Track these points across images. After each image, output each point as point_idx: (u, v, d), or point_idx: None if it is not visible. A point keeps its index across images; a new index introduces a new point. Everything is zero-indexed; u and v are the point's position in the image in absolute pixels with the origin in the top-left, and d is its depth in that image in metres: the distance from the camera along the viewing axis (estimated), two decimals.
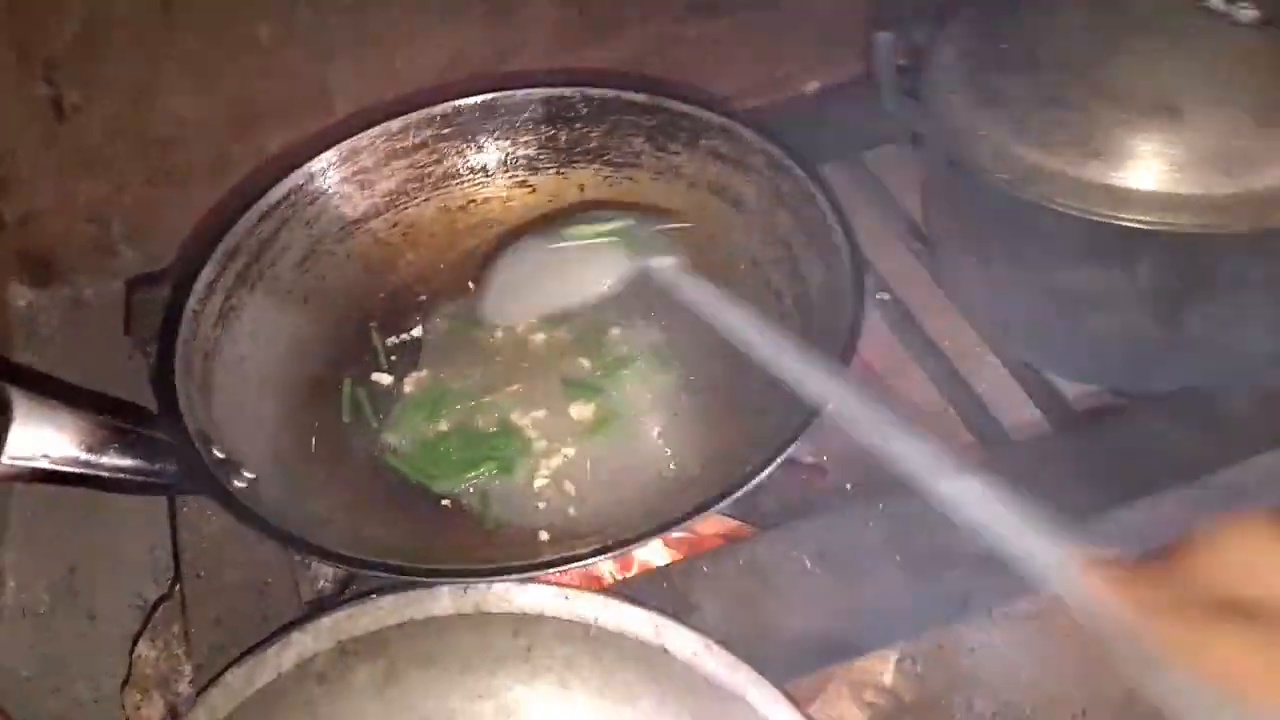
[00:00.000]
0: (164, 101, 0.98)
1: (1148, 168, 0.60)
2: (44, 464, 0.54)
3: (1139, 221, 0.59)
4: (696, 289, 0.65)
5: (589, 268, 0.71)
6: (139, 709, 0.77)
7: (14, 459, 0.53)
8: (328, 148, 0.81)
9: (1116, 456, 0.67)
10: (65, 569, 0.91)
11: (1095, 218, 0.60)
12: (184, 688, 0.77)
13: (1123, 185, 0.60)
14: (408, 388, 0.76)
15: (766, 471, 0.61)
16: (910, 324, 0.78)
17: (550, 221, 0.78)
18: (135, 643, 0.81)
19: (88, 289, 1.07)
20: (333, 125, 0.98)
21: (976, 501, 0.47)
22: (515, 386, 0.75)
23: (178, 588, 0.80)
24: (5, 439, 0.52)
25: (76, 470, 0.55)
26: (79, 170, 1.00)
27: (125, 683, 0.80)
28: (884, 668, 0.81)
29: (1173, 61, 0.61)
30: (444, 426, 0.73)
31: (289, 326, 0.76)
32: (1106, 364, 0.70)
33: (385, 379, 0.76)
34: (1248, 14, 0.60)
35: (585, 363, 0.76)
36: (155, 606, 0.82)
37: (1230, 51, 0.60)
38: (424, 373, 0.77)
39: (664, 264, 0.67)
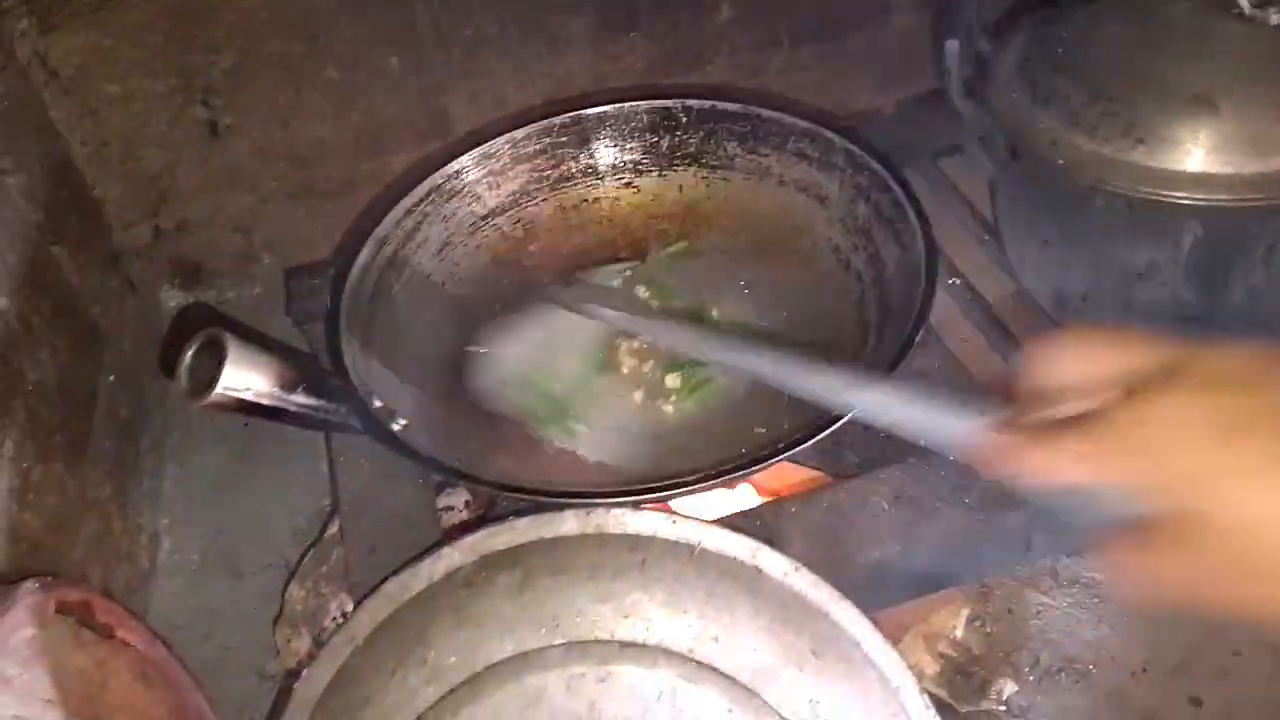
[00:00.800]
0: (305, 125, 1.10)
1: (1185, 152, 0.67)
2: (248, 396, 0.65)
3: (1179, 198, 0.67)
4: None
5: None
6: (289, 642, 0.87)
7: (226, 389, 0.64)
8: (461, 154, 0.92)
9: None
10: (213, 532, 1.02)
11: (1141, 196, 0.68)
12: (329, 623, 0.87)
13: (1164, 168, 0.68)
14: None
15: (842, 421, 0.69)
16: (978, 303, 0.86)
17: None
18: (286, 586, 0.91)
19: (230, 292, 1.19)
20: (450, 145, 1.09)
21: (893, 404, 0.50)
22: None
23: (328, 532, 0.91)
24: (220, 375, 0.63)
25: (272, 403, 0.66)
26: (228, 185, 1.12)
27: (277, 619, 0.90)
28: (956, 623, 0.89)
29: (1207, 60, 0.69)
30: (557, 388, 0.83)
31: (428, 304, 0.87)
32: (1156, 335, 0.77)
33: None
34: (1275, 18, 0.68)
35: None
36: (303, 555, 0.93)
37: (1259, 50, 0.68)
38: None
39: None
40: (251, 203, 1.14)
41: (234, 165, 1.10)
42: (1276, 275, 0.71)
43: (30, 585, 0.68)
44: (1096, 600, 0.90)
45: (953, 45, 0.77)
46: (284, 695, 0.68)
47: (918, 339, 0.72)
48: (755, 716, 0.63)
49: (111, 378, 0.97)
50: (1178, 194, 0.67)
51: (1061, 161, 0.70)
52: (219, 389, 0.63)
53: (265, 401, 0.66)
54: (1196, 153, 0.67)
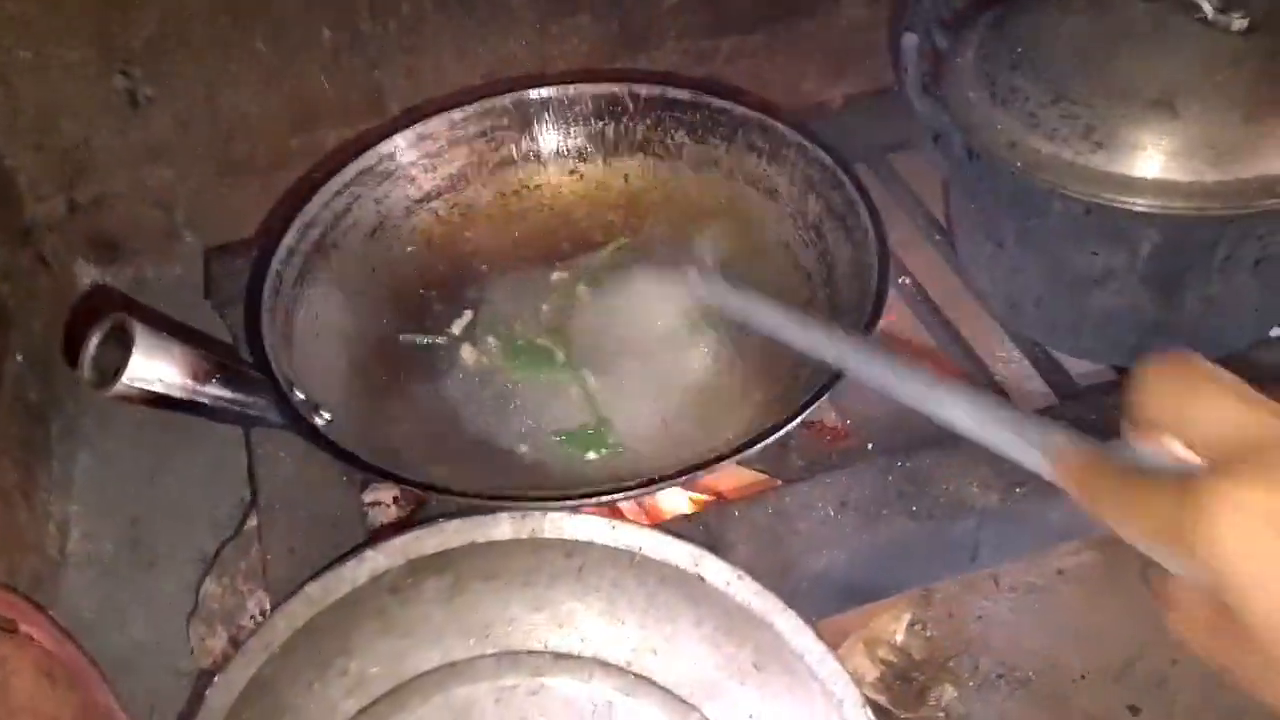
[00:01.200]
0: (231, 98, 1.05)
1: (1146, 157, 0.66)
2: (158, 388, 0.60)
3: (1138, 205, 0.66)
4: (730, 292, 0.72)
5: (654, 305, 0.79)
6: (204, 640, 0.83)
7: (132, 380, 0.59)
8: (395, 133, 0.88)
9: (1116, 424, 0.73)
10: (128, 522, 0.97)
11: (1099, 201, 0.67)
12: (246, 621, 0.83)
13: (1124, 173, 0.66)
14: (463, 350, 0.83)
15: (788, 427, 0.66)
16: (928, 305, 0.84)
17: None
18: (202, 580, 0.87)
19: (149, 269, 1.13)
20: (385, 124, 1.05)
21: (970, 416, 0.50)
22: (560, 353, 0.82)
23: (248, 525, 0.87)
24: (127, 363, 0.59)
25: (184, 396, 0.62)
26: (148, 159, 1.07)
27: (191, 616, 0.86)
28: (897, 628, 0.87)
29: (1169, 63, 0.67)
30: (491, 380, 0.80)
31: (358, 290, 0.83)
32: (1109, 342, 0.76)
33: (441, 340, 0.83)
34: (1237, 23, 0.67)
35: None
36: (220, 549, 0.89)
37: (1221, 55, 0.66)
38: (476, 335, 0.83)
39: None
40: (173, 178, 1.09)
41: (155, 138, 1.05)
42: (1233, 284, 0.70)
43: None
44: (1038, 606, 0.89)
45: (910, 39, 0.75)
46: (196, 700, 0.64)
47: None
48: None
49: (19, 358, 0.92)
50: (1137, 200, 0.66)
51: (1020, 164, 0.68)
52: (125, 380, 0.59)
53: (176, 394, 0.61)
54: (1157, 158, 0.66)
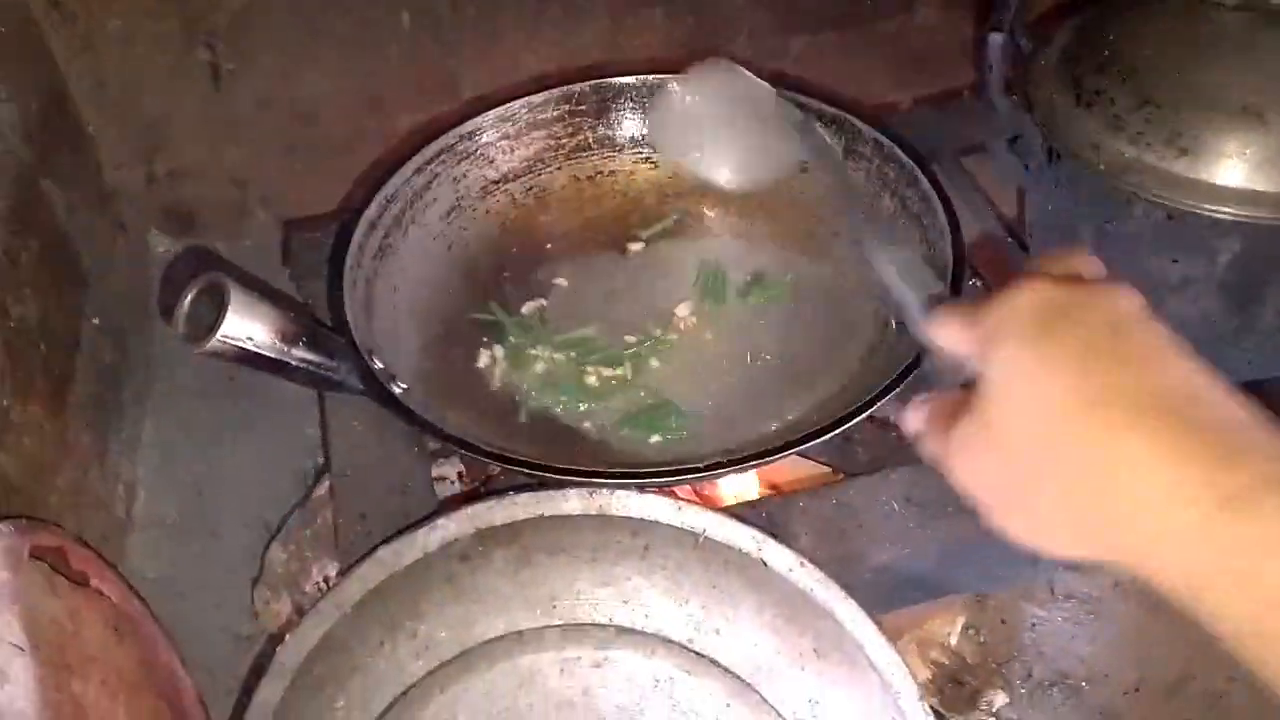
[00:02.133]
0: (309, 77, 1.07)
1: (1231, 165, 0.66)
2: (249, 346, 0.62)
3: (1220, 212, 0.66)
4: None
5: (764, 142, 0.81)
6: (268, 604, 0.85)
7: (225, 338, 0.61)
8: (473, 116, 0.89)
9: None
10: (193, 488, 0.99)
11: (1182, 208, 0.67)
12: (310, 588, 0.84)
13: (1208, 180, 0.66)
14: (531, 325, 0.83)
15: (856, 420, 0.67)
16: None
17: None
18: (267, 547, 0.88)
19: (220, 243, 1.16)
20: (459, 108, 1.06)
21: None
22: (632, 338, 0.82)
23: (314, 494, 0.88)
24: (221, 320, 0.61)
25: (272, 355, 0.63)
26: (226, 134, 1.09)
27: (255, 581, 0.87)
28: (951, 630, 0.87)
29: (1258, 72, 0.67)
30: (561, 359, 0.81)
31: (434, 267, 0.84)
32: None
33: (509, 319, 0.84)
34: None
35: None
36: (286, 517, 0.90)
37: None
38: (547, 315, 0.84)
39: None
40: (249, 154, 1.11)
41: (234, 114, 1.08)
42: None
43: (4, 528, 0.65)
44: (1092, 616, 0.89)
45: (996, 39, 0.75)
46: (265, 658, 0.66)
47: None
48: (753, 713, 0.62)
49: (96, 321, 0.94)
50: (1220, 208, 0.66)
51: (1103, 166, 0.68)
52: (219, 335, 0.61)
53: (265, 353, 0.63)
54: (1242, 167, 0.66)
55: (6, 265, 0.79)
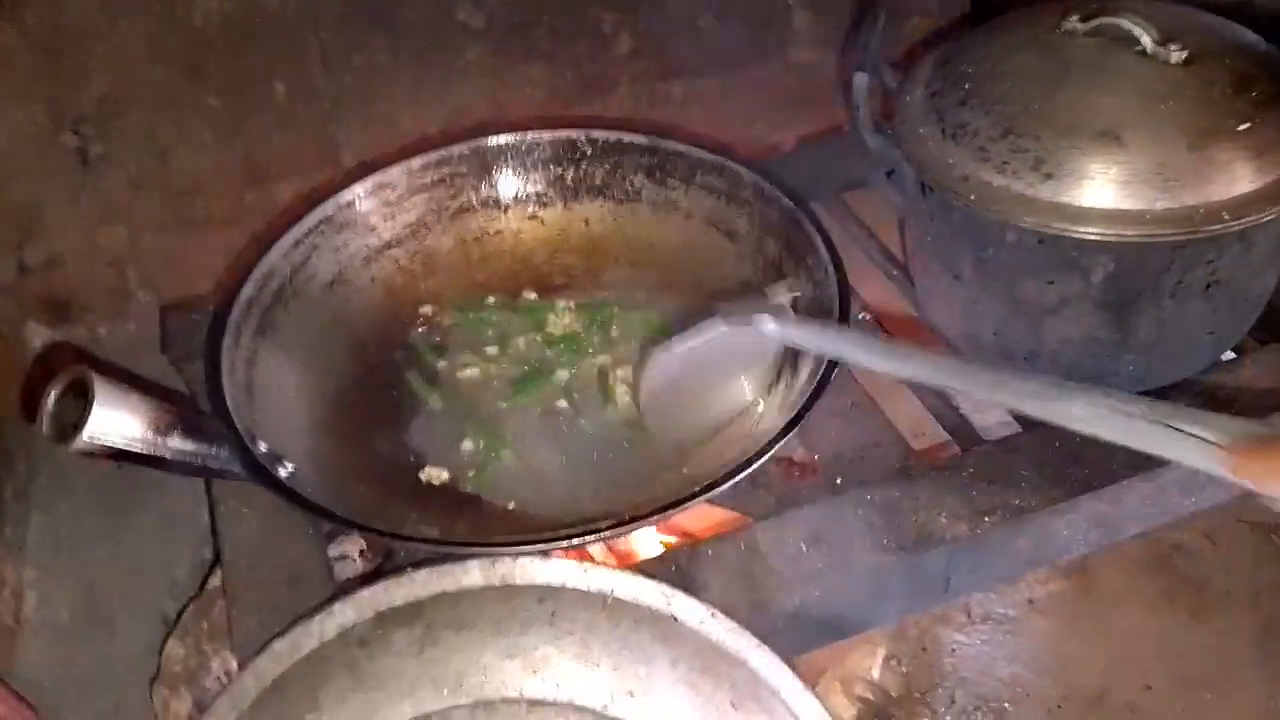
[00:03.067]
0: (184, 154, 1.04)
1: (1095, 187, 0.67)
2: (119, 442, 0.59)
3: (1088, 234, 0.67)
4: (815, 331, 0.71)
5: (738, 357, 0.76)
6: (167, 704, 0.81)
7: (92, 437, 0.58)
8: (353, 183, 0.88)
9: (1079, 452, 0.74)
10: (84, 586, 0.94)
11: (1051, 231, 0.68)
12: (211, 683, 0.81)
13: (1074, 203, 0.68)
14: (429, 396, 0.82)
15: (755, 465, 0.67)
16: (886, 338, 0.85)
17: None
18: (164, 643, 0.85)
19: (103, 329, 1.11)
20: (341, 177, 1.05)
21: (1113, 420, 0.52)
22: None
23: (210, 584, 0.85)
24: (87, 419, 0.58)
25: (145, 450, 0.61)
26: (100, 218, 1.05)
27: (154, 680, 0.83)
28: (872, 663, 0.87)
29: (1113, 96, 0.69)
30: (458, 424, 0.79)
31: (319, 340, 0.82)
32: (1065, 369, 0.77)
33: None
34: (1176, 55, 0.69)
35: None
36: (182, 610, 0.86)
37: (1161, 86, 0.68)
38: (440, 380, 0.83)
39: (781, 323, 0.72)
40: (126, 236, 1.07)
41: (107, 197, 1.04)
42: (1186, 309, 0.71)
43: None
44: (1010, 636, 0.90)
45: (861, 79, 0.76)
46: None
47: (831, 379, 0.70)
48: None
49: None
50: (1087, 229, 0.67)
51: (973, 197, 0.70)
52: (86, 434, 0.58)
53: (138, 448, 0.60)
54: (1105, 188, 0.67)
55: None
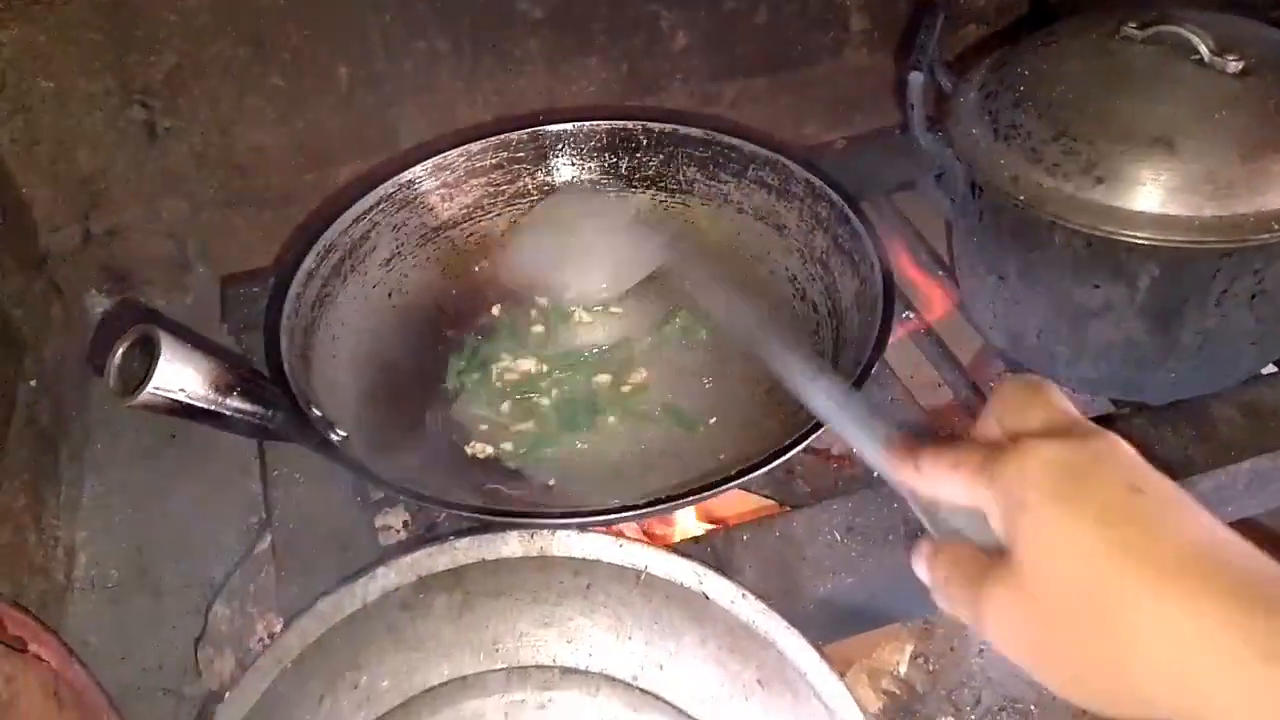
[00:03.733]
0: (246, 131, 1.07)
1: (1145, 192, 0.68)
2: (181, 397, 0.62)
3: (1136, 238, 0.67)
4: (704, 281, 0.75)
5: (624, 251, 0.83)
6: (212, 663, 0.83)
7: (157, 390, 0.61)
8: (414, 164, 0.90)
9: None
10: (134, 548, 0.97)
11: (1099, 234, 0.68)
12: (255, 645, 0.83)
13: (1124, 207, 0.68)
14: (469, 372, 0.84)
15: (792, 453, 0.67)
16: (932, 339, 0.86)
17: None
18: (210, 604, 0.87)
19: (161, 300, 1.15)
20: (398, 158, 1.07)
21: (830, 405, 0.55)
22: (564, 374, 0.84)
23: (257, 549, 0.87)
24: (153, 372, 0.60)
25: (205, 406, 0.63)
26: (163, 191, 1.08)
27: (199, 639, 0.86)
28: (900, 659, 0.88)
29: (1167, 103, 0.69)
30: (504, 405, 0.81)
31: (374, 315, 0.84)
32: (1107, 374, 0.77)
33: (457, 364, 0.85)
34: (1233, 65, 0.69)
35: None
36: (230, 573, 0.89)
37: (1217, 96, 0.69)
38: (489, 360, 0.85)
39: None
40: (187, 210, 1.10)
41: (170, 170, 1.07)
42: (1230, 318, 0.71)
43: None
44: None
45: (916, 78, 0.77)
46: (207, 716, 0.65)
47: (872, 372, 0.71)
48: None
49: (32, 383, 0.93)
50: (1136, 234, 0.67)
51: (1022, 198, 0.70)
52: (150, 387, 0.60)
53: (199, 404, 0.62)
54: (1155, 193, 0.68)
55: None
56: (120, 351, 0.63)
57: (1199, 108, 0.69)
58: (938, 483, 0.48)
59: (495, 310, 0.89)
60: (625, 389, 0.82)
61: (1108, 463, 0.43)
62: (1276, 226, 0.65)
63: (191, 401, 0.62)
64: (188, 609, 0.91)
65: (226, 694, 0.62)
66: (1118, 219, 0.68)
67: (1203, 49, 0.69)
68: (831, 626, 0.72)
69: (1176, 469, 0.73)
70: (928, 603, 0.76)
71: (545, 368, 0.83)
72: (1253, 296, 0.70)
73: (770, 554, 0.71)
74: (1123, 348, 0.74)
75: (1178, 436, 0.75)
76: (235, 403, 0.64)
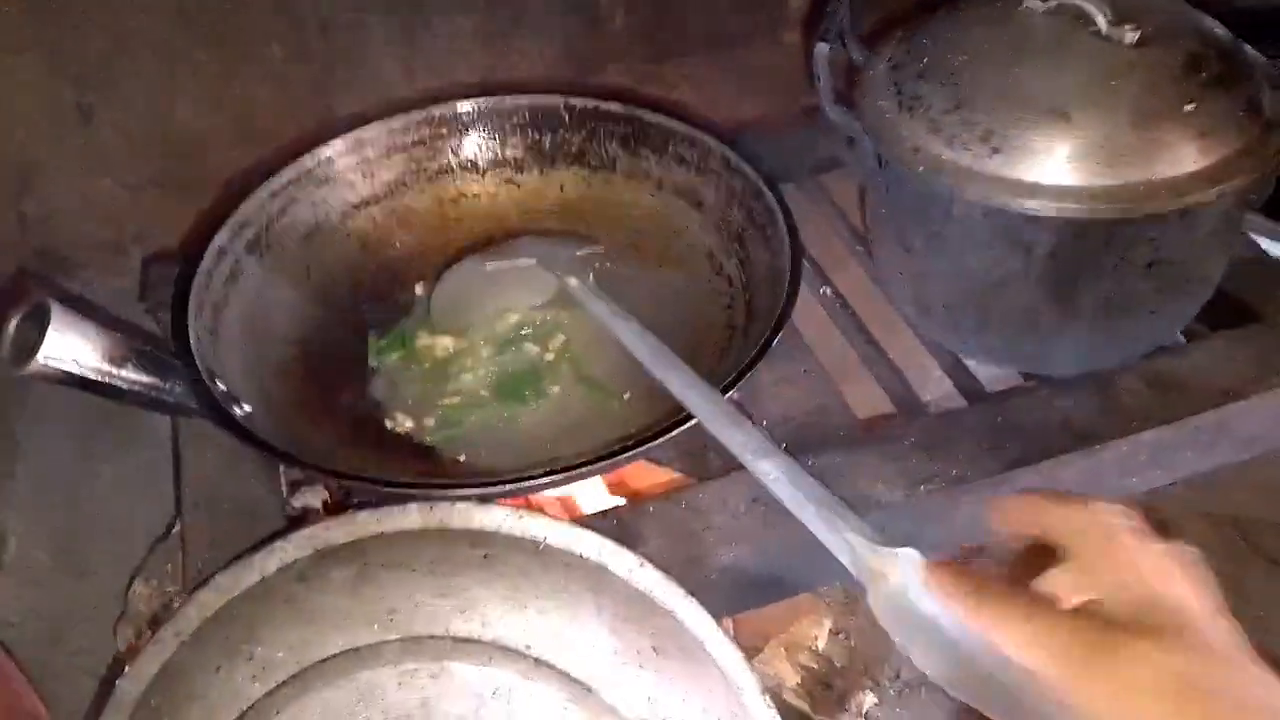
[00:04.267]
0: (180, 112, 1.06)
1: (1041, 162, 0.68)
2: (73, 368, 0.62)
3: (1031, 207, 0.68)
4: (601, 304, 0.78)
5: (522, 286, 0.84)
6: (130, 643, 0.83)
7: (47, 359, 0.61)
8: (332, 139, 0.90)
9: (1020, 428, 0.75)
10: (65, 530, 0.97)
11: (995, 204, 0.69)
12: None
13: (1019, 177, 0.68)
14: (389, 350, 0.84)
15: (691, 422, 0.68)
16: (848, 313, 0.87)
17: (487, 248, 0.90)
18: (130, 584, 0.87)
19: (96, 284, 1.14)
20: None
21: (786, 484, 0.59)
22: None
23: (174, 527, 0.87)
24: (43, 341, 0.60)
25: (99, 378, 0.63)
26: (98, 173, 1.08)
27: (119, 619, 0.86)
28: (818, 634, 0.88)
29: (1065, 74, 0.70)
30: (426, 382, 0.81)
31: (290, 291, 0.84)
32: (1012, 346, 0.78)
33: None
34: (1130, 35, 0.70)
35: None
36: (149, 552, 0.89)
37: (1113, 66, 0.69)
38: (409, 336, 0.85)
39: (576, 284, 0.81)
40: (122, 193, 1.10)
41: (105, 152, 1.06)
42: (1127, 287, 0.72)
43: None
44: None
45: (822, 49, 0.78)
46: (107, 688, 0.65)
47: (775, 342, 0.71)
48: (592, 714, 0.62)
49: None
50: (1031, 203, 0.68)
51: (921, 169, 0.71)
52: (40, 356, 0.60)
53: (91, 375, 0.62)
54: (1051, 163, 0.68)
55: None
56: (14, 322, 0.63)
57: (1095, 78, 0.70)
58: (997, 633, 0.45)
59: (418, 289, 0.89)
60: (547, 359, 0.82)
61: (1227, 670, 0.42)
62: (1166, 195, 0.66)
63: (84, 373, 0.62)
64: (114, 590, 0.91)
65: (127, 667, 0.63)
66: (1013, 189, 0.69)
67: (1100, 20, 0.70)
68: (738, 597, 0.73)
69: (1080, 440, 0.74)
70: (830, 574, 0.77)
71: (466, 344, 0.83)
72: (1149, 265, 0.71)
73: (676, 525, 0.71)
74: (1023, 316, 0.75)
75: (1079, 407, 0.76)
76: (130, 374, 0.64)
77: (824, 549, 0.72)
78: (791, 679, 0.86)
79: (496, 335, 0.82)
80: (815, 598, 0.88)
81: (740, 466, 0.74)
